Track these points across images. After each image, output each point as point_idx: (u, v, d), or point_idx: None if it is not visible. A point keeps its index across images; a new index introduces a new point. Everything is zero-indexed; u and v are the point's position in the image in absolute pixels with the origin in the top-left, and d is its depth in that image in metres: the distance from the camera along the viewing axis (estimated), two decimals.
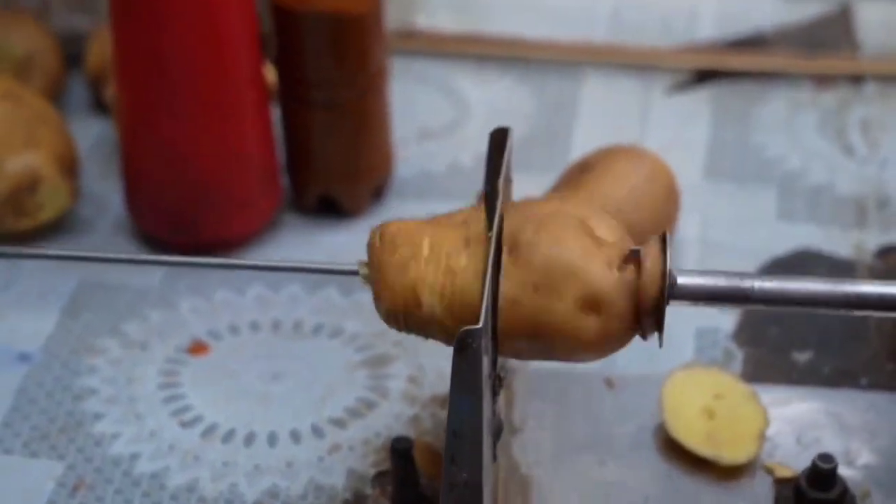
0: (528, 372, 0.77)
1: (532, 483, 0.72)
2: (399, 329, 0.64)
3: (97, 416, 0.77)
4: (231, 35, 0.82)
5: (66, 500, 0.72)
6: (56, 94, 0.97)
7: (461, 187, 0.91)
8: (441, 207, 0.87)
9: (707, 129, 0.97)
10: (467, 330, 0.59)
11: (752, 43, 1.04)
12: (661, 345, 0.63)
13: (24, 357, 0.80)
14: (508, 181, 0.69)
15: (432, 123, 0.98)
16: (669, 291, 0.63)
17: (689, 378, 0.74)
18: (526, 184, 0.87)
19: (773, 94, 0.99)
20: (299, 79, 0.86)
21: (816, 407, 0.75)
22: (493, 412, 0.67)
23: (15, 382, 0.79)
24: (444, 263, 0.63)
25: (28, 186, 0.86)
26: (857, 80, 1.00)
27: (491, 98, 1.00)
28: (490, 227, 0.64)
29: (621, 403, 0.76)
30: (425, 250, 0.63)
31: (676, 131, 0.96)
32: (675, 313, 0.78)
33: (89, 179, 0.92)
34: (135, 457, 0.75)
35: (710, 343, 0.81)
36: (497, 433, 0.68)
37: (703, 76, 1.01)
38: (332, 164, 0.88)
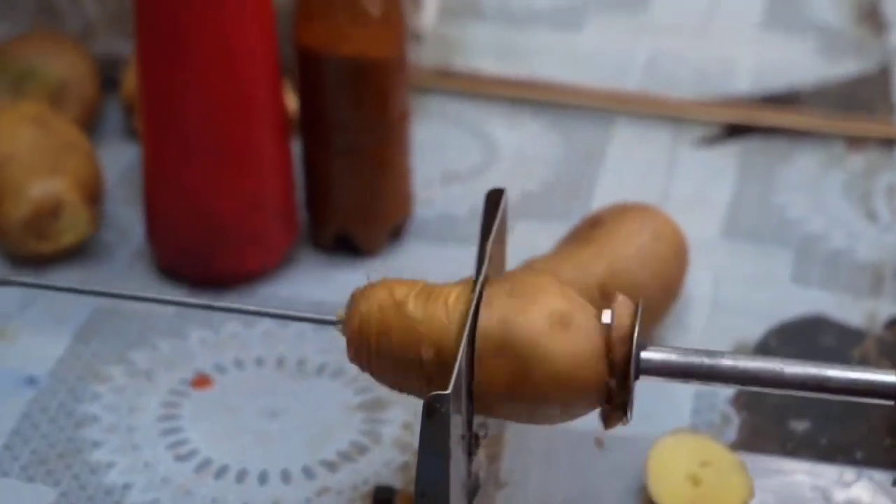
0: (519, 427, 0.78)
1: None
2: (363, 361, 0.66)
3: (96, 444, 0.78)
4: (251, 76, 0.83)
5: None
6: (91, 120, 0.99)
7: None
8: (459, 251, 0.88)
9: (730, 186, 0.97)
10: (436, 395, 0.60)
11: (787, 99, 1.04)
12: (628, 420, 0.64)
13: (31, 381, 0.82)
14: (501, 242, 0.70)
15: (459, 166, 0.99)
16: (636, 368, 0.64)
17: (677, 443, 0.75)
18: (541, 233, 0.88)
19: (803, 152, 0.99)
20: (320, 121, 0.87)
21: (802, 480, 0.75)
22: (469, 471, 0.67)
23: (20, 406, 0.80)
24: (426, 292, 0.65)
25: (50, 212, 0.88)
26: (888, 143, 1.00)
27: (520, 143, 1.01)
28: (473, 289, 0.65)
29: (609, 464, 0.76)
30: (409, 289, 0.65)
31: (700, 186, 0.97)
32: None
33: (116, 205, 0.94)
34: (127, 487, 0.76)
35: (708, 406, 0.81)
36: (473, 491, 0.69)
37: (734, 130, 1.01)
38: (350, 204, 0.89)
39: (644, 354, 0.64)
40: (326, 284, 0.89)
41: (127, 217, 0.93)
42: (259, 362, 0.83)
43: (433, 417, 0.61)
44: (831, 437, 0.78)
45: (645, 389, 0.78)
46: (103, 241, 0.92)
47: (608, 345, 0.63)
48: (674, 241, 0.83)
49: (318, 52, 0.85)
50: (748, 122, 1.01)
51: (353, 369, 0.80)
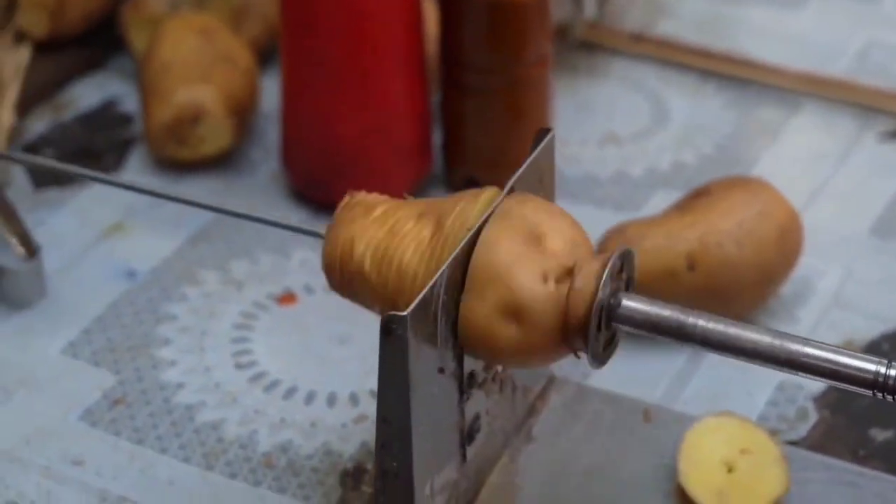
0: (571, 387, 0.74)
1: (519, 495, 0.69)
2: (337, 287, 0.64)
3: (166, 342, 0.80)
4: (385, 10, 0.83)
5: (102, 412, 0.76)
6: (271, 42, 1.00)
7: (620, 196, 0.89)
8: (593, 211, 0.85)
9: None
10: (391, 315, 0.58)
11: None
12: (592, 366, 0.60)
13: (131, 274, 0.84)
14: (539, 183, 0.67)
15: (622, 129, 0.95)
16: (610, 313, 0.60)
17: (719, 426, 0.70)
18: (665, 204, 0.84)
19: None
20: (455, 61, 0.86)
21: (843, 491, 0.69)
22: (462, 411, 0.65)
23: (112, 296, 0.83)
24: (389, 225, 0.63)
25: (192, 118, 0.89)
26: None
27: (693, 114, 0.96)
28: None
29: (650, 437, 0.72)
30: (377, 212, 0.63)
31: (865, 179, 0.90)
32: None
33: (270, 125, 0.95)
34: (180, 386, 0.77)
35: (788, 398, 0.75)
36: (470, 434, 0.66)
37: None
38: (480, 148, 0.88)
39: (625, 302, 0.61)
40: None
41: (276, 138, 0.94)
42: None
43: (389, 338, 0.59)
44: None
45: (724, 372, 0.75)
46: (246, 157, 0.93)
47: (565, 315, 0.60)
48: (783, 222, 0.78)
49: None
50: None
51: None
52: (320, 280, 0.82)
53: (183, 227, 0.87)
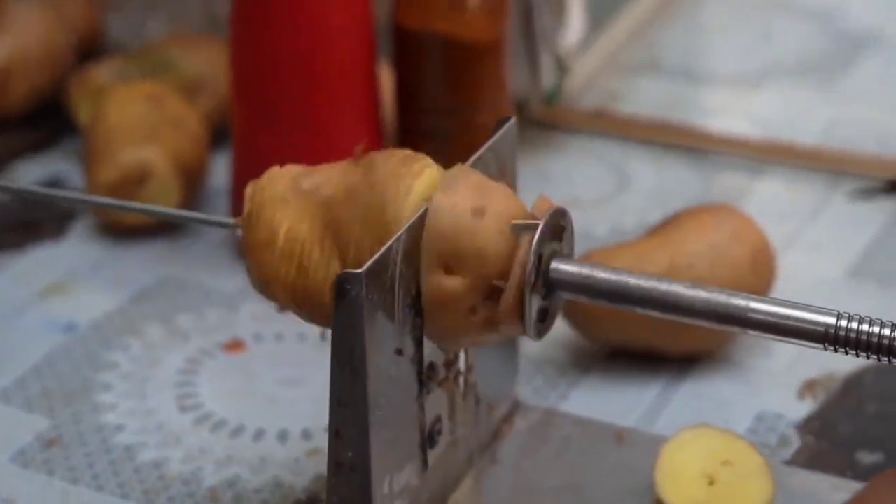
0: (537, 412, 0.70)
1: None
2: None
3: (106, 387, 0.75)
4: (342, 56, 0.81)
5: (34, 453, 0.70)
6: (224, 117, 0.97)
7: (585, 251, 0.85)
8: None
9: (873, 234, 0.87)
10: (345, 273, 0.54)
11: None
12: (532, 338, 0.57)
13: (70, 327, 0.80)
14: (500, 173, 0.63)
15: (585, 195, 0.92)
16: (545, 278, 0.58)
17: (697, 438, 0.65)
18: None
19: None
20: (411, 103, 0.83)
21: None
22: (422, 408, 0.60)
23: (49, 347, 0.78)
24: (296, 262, 0.59)
25: (138, 178, 0.86)
26: None
27: (657, 181, 0.93)
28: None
29: (623, 458, 0.67)
30: (280, 240, 0.59)
31: (838, 231, 0.87)
32: (738, 391, 0.70)
33: (219, 190, 0.91)
34: (119, 428, 0.72)
35: (768, 427, 0.71)
36: (431, 437, 0.62)
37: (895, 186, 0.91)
38: None
39: (559, 266, 0.59)
40: None
41: (226, 207, 0.90)
42: (301, 337, 0.78)
43: (343, 302, 0.54)
44: None
45: (699, 402, 0.71)
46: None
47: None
48: (756, 244, 0.74)
49: (415, 30, 0.82)
50: None
51: None
52: (270, 328, 0.79)
53: (126, 288, 0.83)
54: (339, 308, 0.54)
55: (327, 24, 0.80)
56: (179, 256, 0.86)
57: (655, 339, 0.74)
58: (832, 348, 0.57)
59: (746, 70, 1.07)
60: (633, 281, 0.58)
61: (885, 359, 0.56)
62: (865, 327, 0.56)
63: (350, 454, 0.57)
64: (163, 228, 0.88)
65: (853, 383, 0.74)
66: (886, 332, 0.56)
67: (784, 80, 1.05)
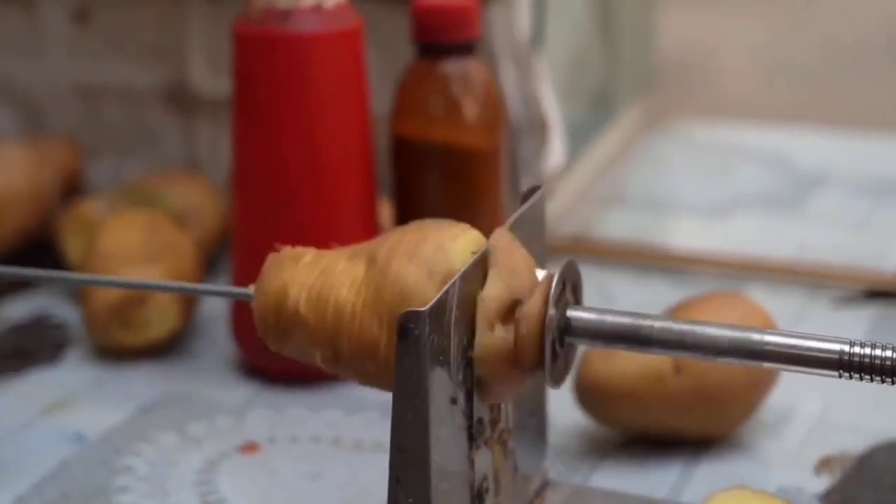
0: (568, 488, 0.70)
1: None
2: (274, 342, 0.62)
3: (124, 490, 0.74)
4: (341, 167, 0.83)
5: None
6: (212, 250, 0.98)
7: None
8: None
9: (860, 334, 0.89)
10: (409, 312, 0.55)
11: None
12: (551, 385, 0.60)
13: (79, 438, 0.79)
14: (528, 239, 0.65)
15: None
16: (562, 333, 0.60)
17: (735, 499, 0.66)
18: None
19: None
20: (410, 213, 0.85)
21: None
22: (472, 464, 0.61)
23: (61, 456, 0.77)
24: (320, 267, 0.61)
25: (137, 301, 0.86)
26: None
27: (640, 298, 0.95)
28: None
29: None
30: (307, 258, 0.62)
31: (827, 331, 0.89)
32: (756, 469, 0.71)
33: (216, 313, 0.92)
34: None
35: (791, 498, 0.72)
36: (480, 495, 0.62)
37: (876, 294, 0.94)
38: None
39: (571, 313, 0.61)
40: None
41: (223, 331, 0.91)
42: (315, 439, 0.79)
43: (406, 341, 0.55)
44: None
45: (718, 481, 0.72)
46: (193, 342, 0.90)
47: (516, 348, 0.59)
48: (765, 326, 0.76)
49: (414, 139, 0.84)
50: (888, 288, 0.94)
51: None
52: (283, 431, 0.79)
53: (130, 402, 0.83)
54: (402, 348, 0.55)
55: (329, 132, 0.82)
56: (180, 374, 0.86)
57: (671, 420, 0.75)
58: (847, 374, 0.58)
59: (714, 201, 1.10)
60: (646, 323, 0.60)
61: None
62: (878, 352, 0.57)
63: (411, 501, 0.57)
64: (160, 350, 0.88)
65: (867, 460, 0.75)
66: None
67: (751, 209, 1.09)
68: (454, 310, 0.58)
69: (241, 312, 0.85)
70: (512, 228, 0.63)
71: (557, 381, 0.61)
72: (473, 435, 0.61)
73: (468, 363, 0.59)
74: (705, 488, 0.72)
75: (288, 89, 0.81)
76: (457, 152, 0.84)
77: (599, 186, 1.12)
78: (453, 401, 0.58)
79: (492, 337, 0.59)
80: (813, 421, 0.79)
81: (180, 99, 1.06)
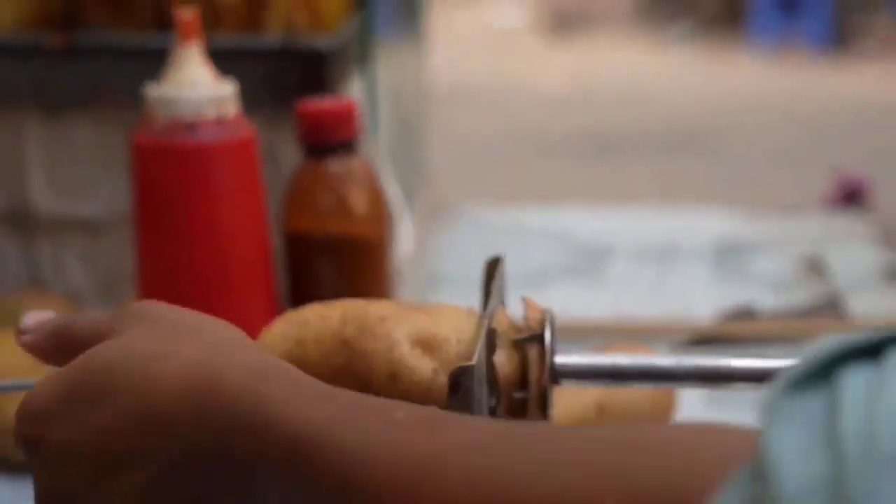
0: None
1: None
2: None
3: None
4: (243, 262, 0.88)
5: None
6: None
7: None
8: None
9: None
10: (462, 367, 0.62)
11: (747, 316, 1.09)
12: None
13: None
14: (500, 305, 0.73)
15: None
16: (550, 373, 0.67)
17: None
18: None
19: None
20: (306, 303, 0.91)
21: None
22: None
23: None
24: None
25: None
26: None
27: None
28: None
29: None
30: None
31: None
32: None
33: None
34: None
35: None
36: None
37: (701, 341, 1.05)
38: None
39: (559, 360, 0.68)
40: None
41: None
42: None
43: (458, 393, 0.62)
44: None
45: None
46: None
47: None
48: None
49: (306, 234, 0.90)
50: (716, 335, 1.06)
51: None
52: None
53: None
54: (454, 402, 0.62)
55: (236, 236, 0.87)
56: None
57: None
58: None
59: (523, 274, 1.20)
60: (626, 361, 0.68)
61: None
62: None
63: None
64: None
65: None
66: None
67: (556, 280, 1.19)
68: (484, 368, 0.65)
69: None
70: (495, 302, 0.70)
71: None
72: None
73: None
74: None
75: (198, 197, 0.86)
76: (348, 243, 0.91)
77: (410, 272, 1.21)
78: None
79: (514, 398, 0.66)
80: None
81: (20, 220, 1.08)
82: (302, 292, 0.91)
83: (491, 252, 1.24)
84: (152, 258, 0.88)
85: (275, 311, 0.90)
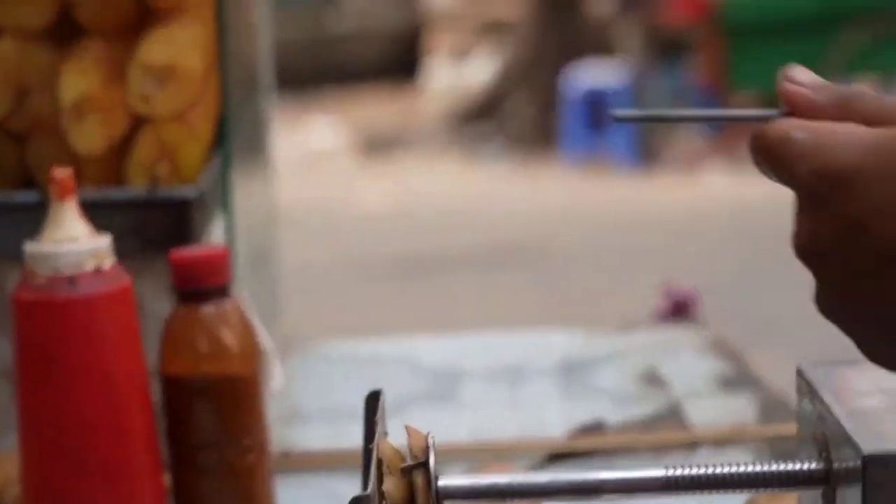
0: None
1: None
2: None
3: None
4: (129, 413, 0.92)
5: None
6: None
7: None
8: None
9: None
10: (357, 497, 0.67)
11: (596, 429, 1.16)
12: None
13: None
14: (384, 435, 0.78)
15: None
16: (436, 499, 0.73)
17: None
18: None
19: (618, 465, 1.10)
20: (185, 443, 0.95)
21: None
22: None
23: None
24: None
25: None
26: (691, 447, 1.12)
27: None
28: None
29: None
30: None
31: None
32: None
33: None
34: None
35: None
36: None
37: (555, 458, 1.12)
38: None
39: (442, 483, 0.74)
40: None
41: None
42: None
43: None
44: None
45: None
46: None
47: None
48: None
49: (183, 376, 0.95)
50: (568, 450, 1.12)
51: None
52: None
53: None
54: None
55: (118, 384, 0.91)
56: None
57: None
58: (675, 492, 0.73)
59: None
60: (505, 480, 0.74)
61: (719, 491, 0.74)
62: (695, 471, 0.73)
63: None
64: None
65: None
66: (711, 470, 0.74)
67: (416, 406, 1.25)
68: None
69: None
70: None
71: None
72: None
73: None
74: None
75: (81, 348, 0.90)
76: (224, 383, 0.95)
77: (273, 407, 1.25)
78: None
79: None
80: None
81: None
82: (180, 433, 0.95)
83: (349, 384, 1.31)
84: (37, 408, 0.91)
85: (157, 451, 0.94)
